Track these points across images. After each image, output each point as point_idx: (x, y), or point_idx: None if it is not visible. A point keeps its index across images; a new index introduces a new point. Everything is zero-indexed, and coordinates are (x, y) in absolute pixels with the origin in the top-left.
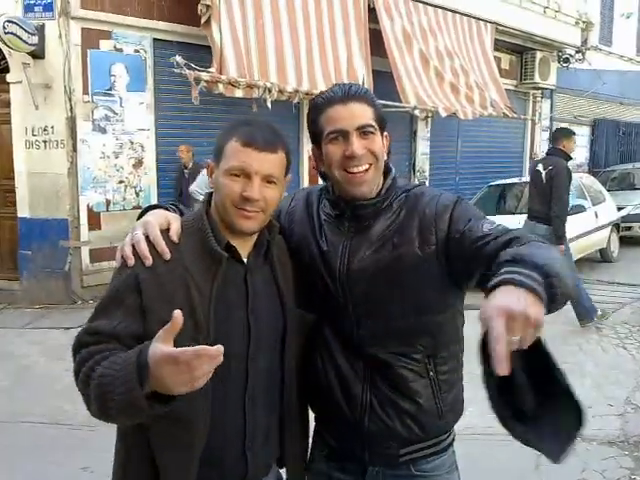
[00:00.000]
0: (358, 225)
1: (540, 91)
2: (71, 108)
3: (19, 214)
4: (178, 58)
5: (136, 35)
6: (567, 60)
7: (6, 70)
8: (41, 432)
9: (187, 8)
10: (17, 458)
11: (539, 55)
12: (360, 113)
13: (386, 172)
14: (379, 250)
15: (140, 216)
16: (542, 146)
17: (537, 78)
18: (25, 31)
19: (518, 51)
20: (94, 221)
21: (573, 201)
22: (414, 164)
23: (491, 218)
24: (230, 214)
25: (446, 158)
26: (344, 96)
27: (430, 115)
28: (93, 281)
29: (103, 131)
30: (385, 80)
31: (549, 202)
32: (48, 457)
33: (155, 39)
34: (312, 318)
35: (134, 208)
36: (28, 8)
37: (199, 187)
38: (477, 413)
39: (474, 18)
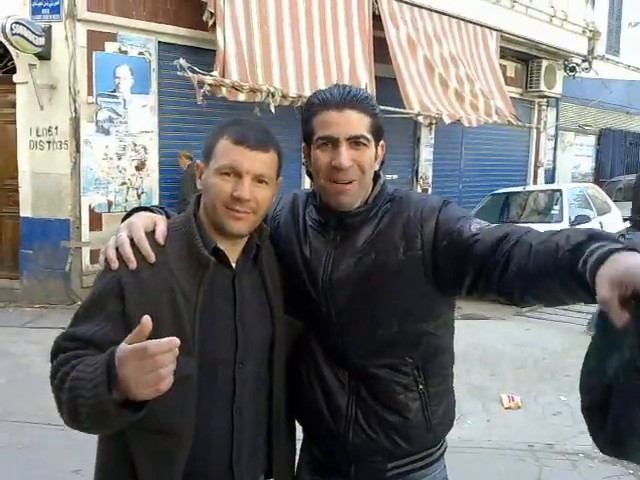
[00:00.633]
0: (343, 234)
1: (546, 100)
2: (75, 109)
3: (21, 214)
4: (182, 61)
5: (141, 38)
6: (573, 69)
7: (13, 71)
8: (32, 432)
9: (192, 12)
10: (6, 458)
11: (545, 63)
12: (355, 122)
13: (375, 179)
14: (362, 258)
15: (125, 218)
16: (547, 155)
17: (543, 86)
18: (32, 32)
19: (524, 59)
20: (95, 222)
21: (578, 212)
22: (417, 171)
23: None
24: (220, 215)
25: (449, 165)
26: (341, 101)
27: (434, 122)
28: (92, 282)
29: (106, 132)
30: (389, 87)
31: None
32: (38, 458)
33: (160, 42)
34: (300, 325)
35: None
36: (36, 10)
37: None
38: (476, 425)
39: (479, 25)
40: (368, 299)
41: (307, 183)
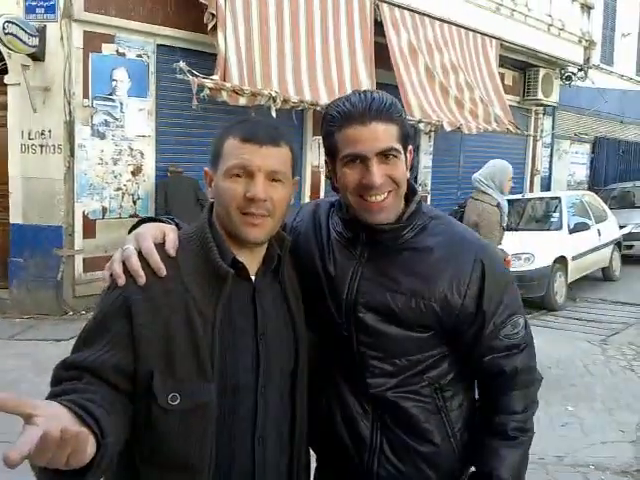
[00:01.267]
0: (373, 251)
1: (542, 108)
2: (70, 112)
3: (12, 220)
4: (182, 64)
5: (140, 40)
6: (569, 78)
7: (4, 72)
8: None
9: (192, 14)
10: None
11: (542, 72)
12: (382, 135)
13: (410, 194)
14: (395, 289)
15: (131, 230)
16: (543, 163)
17: (540, 95)
18: (25, 32)
19: (521, 67)
20: (89, 229)
21: (577, 219)
22: (416, 178)
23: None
24: (234, 222)
25: (448, 172)
26: (365, 113)
27: (434, 129)
28: (85, 291)
29: (102, 136)
30: (390, 93)
31: None
32: None
33: (159, 45)
34: (322, 345)
35: (131, 216)
36: (30, 9)
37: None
38: None
39: (480, 33)
40: (392, 330)
41: (307, 193)
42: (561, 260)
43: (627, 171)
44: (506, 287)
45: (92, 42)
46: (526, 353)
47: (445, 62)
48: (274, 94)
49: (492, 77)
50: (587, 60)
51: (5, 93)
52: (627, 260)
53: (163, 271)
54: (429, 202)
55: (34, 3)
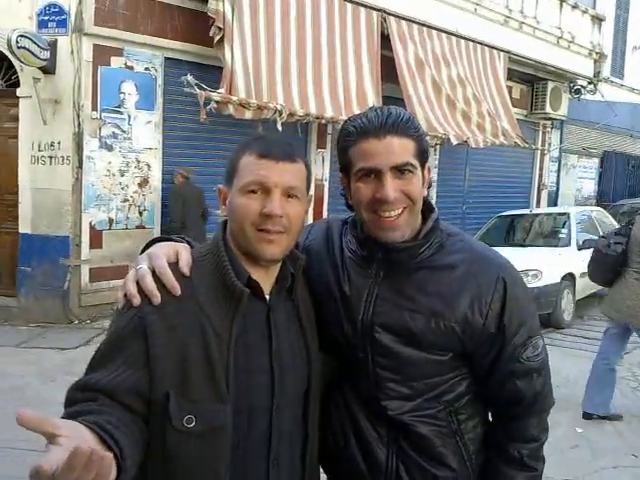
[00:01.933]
0: (389, 270)
1: (550, 121)
2: (79, 124)
3: (20, 230)
4: (189, 77)
5: (147, 53)
6: (578, 91)
7: (16, 84)
8: (28, 460)
9: (199, 28)
10: None
11: (550, 85)
12: (397, 149)
13: (427, 211)
14: (413, 309)
15: (143, 250)
16: (551, 177)
17: (548, 108)
18: (37, 46)
19: (529, 80)
20: (96, 239)
21: (585, 236)
22: None
23: (499, 250)
24: (250, 239)
25: (453, 187)
26: (380, 127)
27: (440, 142)
28: (91, 301)
29: (110, 148)
30: (396, 106)
31: None
32: None
33: (166, 58)
34: (335, 365)
35: (137, 227)
36: (42, 24)
37: None
38: None
39: (487, 46)
40: (412, 352)
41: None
42: (569, 277)
43: (636, 186)
44: (527, 307)
45: (101, 55)
46: (544, 377)
47: (452, 75)
48: (280, 108)
49: (500, 90)
50: (597, 73)
51: (17, 105)
52: None
53: (178, 290)
54: None
55: (46, 18)
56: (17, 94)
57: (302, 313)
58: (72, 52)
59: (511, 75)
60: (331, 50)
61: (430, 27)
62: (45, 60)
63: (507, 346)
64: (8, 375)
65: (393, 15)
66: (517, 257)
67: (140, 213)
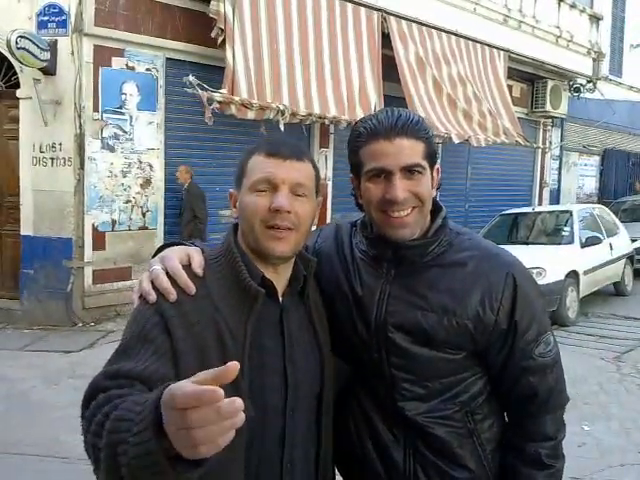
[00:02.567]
0: (400, 269)
1: (550, 120)
2: (80, 125)
3: (22, 232)
4: (191, 78)
5: (149, 54)
6: (578, 89)
7: (16, 86)
8: (33, 466)
9: (201, 28)
10: None
11: (550, 84)
12: (407, 151)
13: (436, 210)
14: (425, 307)
15: (154, 255)
16: (552, 175)
17: (548, 107)
18: (37, 47)
19: (529, 79)
20: (99, 241)
21: (588, 233)
22: None
23: (503, 247)
24: (259, 237)
25: (455, 185)
26: (391, 129)
27: (441, 141)
28: (95, 303)
29: (112, 149)
30: (397, 106)
31: None
32: None
33: (168, 58)
34: (347, 369)
35: (140, 229)
36: (42, 24)
37: None
38: None
39: (487, 45)
40: (426, 351)
41: None
42: (573, 275)
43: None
44: (537, 303)
45: (102, 56)
46: (558, 372)
47: (453, 74)
48: (282, 108)
49: (500, 89)
50: (596, 72)
51: (17, 107)
52: (639, 275)
53: (192, 289)
54: None
55: (46, 18)
56: (17, 95)
57: (314, 315)
58: (72, 53)
59: (511, 74)
60: (333, 50)
61: (430, 26)
62: (45, 61)
63: (519, 342)
64: (12, 379)
65: (393, 15)
66: (521, 255)
67: (143, 214)
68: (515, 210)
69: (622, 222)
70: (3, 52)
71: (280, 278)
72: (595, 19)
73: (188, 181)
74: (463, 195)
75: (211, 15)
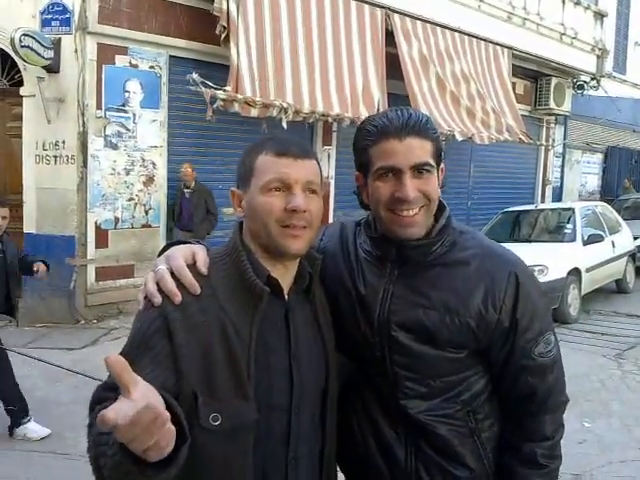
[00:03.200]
0: (403, 268)
1: (554, 117)
2: (83, 123)
3: (25, 230)
4: (195, 75)
5: (152, 51)
6: (582, 87)
7: (20, 84)
8: (36, 461)
9: (204, 26)
10: None
11: (554, 81)
12: (417, 150)
13: (439, 209)
14: (428, 306)
15: (159, 255)
16: (555, 173)
17: (552, 104)
18: (41, 45)
19: (533, 77)
20: (102, 239)
21: (590, 231)
22: None
23: (505, 246)
24: (274, 236)
25: (458, 183)
26: (402, 128)
27: (444, 139)
28: (97, 300)
29: (115, 147)
30: (401, 103)
31: None
32: None
33: (171, 56)
34: (352, 367)
35: (143, 226)
36: (45, 22)
37: None
38: None
39: (491, 43)
40: (428, 349)
41: None
42: (575, 272)
43: (639, 181)
44: (539, 302)
45: (105, 54)
46: (557, 373)
47: (456, 72)
48: (285, 105)
49: (504, 86)
50: (600, 69)
51: (20, 104)
52: None
53: (197, 289)
54: None
55: (49, 16)
56: (21, 93)
57: (319, 313)
58: (76, 51)
59: (515, 71)
60: (336, 47)
61: (434, 24)
62: (49, 59)
63: (519, 340)
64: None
65: (397, 12)
66: (523, 253)
67: (146, 212)
68: (517, 208)
69: (624, 220)
70: (7, 50)
71: (287, 276)
72: (599, 16)
73: (194, 179)
74: (466, 193)
75: (214, 12)
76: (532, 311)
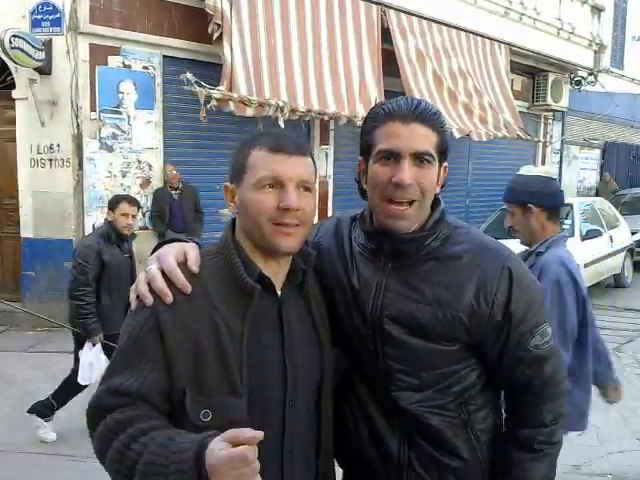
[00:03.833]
0: (396, 262)
1: (552, 113)
2: (78, 126)
3: (22, 234)
4: (189, 75)
5: (145, 52)
6: (579, 82)
7: (12, 86)
8: (40, 463)
9: (197, 25)
10: None
11: (551, 77)
12: (421, 137)
13: (434, 204)
14: (420, 300)
15: (152, 253)
16: (552, 169)
17: (549, 100)
18: (32, 46)
19: (530, 72)
20: None
21: (589, 226)
22: None
23: (504, 242)
24: (266, 234)
25: (457, 180)
26: (408, 113)
27: None
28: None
29: (110, 149)
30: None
31: None
32: None
33: (165, 56)
34: (347, 360)
35: (140, 229)
36: (36, 23)
37: None
38: None
39: (488, 38)
40: (420, 342)
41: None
42: None
43: (638, 176)
44: (534, 295)
45: (98, 55)
46: (555, 363)
47: (453, 68)
48: (281, 104)
49: (501, 82)
50: (597, 64)
51: (13, 108)
52: (639, 266)
53: (188, 288)
54: None
55: (40, 17)
56: (13, 96)
57: (314, 308)
58: (68, 52)
59: (512, 67)
60: (332, 45)
61: (430, 20)
62: (40, 60)
63: (513, 333)
64: (17, 380)
65: (393, 8)
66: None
67: (143, 214)
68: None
69: (622, 215)
70: None
71: (280, 272)
72: (597, 11)
73: (179, 180)
74: (464, 190)
75: (208, 11)
76: (526, 304)
